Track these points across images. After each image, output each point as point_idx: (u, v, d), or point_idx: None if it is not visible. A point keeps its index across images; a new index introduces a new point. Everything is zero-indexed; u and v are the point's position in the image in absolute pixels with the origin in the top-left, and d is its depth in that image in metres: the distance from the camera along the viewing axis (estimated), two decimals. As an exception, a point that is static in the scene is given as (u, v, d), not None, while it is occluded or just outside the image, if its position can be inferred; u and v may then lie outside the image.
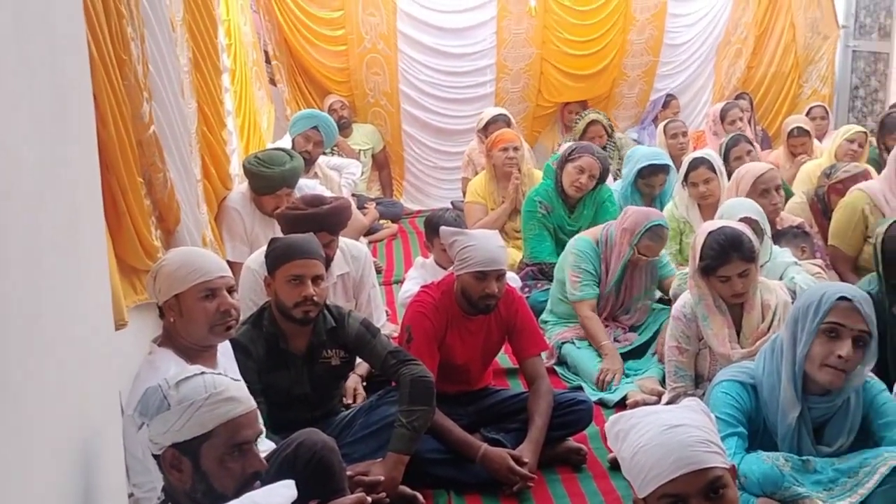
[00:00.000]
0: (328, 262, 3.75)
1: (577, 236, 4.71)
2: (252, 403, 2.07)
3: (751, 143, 5.74)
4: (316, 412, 3.31)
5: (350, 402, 3.70)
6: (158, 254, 3.15)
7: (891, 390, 2.73)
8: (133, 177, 2.97)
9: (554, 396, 3.51)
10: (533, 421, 3.39)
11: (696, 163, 4.97)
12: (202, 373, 2.05)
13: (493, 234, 3.55)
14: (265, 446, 2.70)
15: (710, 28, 8.06)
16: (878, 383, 2.63)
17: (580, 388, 4.15)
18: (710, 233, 3.43)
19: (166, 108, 3.49)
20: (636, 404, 3.77)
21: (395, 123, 7.76)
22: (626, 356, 4.39)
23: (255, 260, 3.81)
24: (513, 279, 4.55)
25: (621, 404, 3.97)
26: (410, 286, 4.45)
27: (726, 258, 3.36)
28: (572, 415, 3.52)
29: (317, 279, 3.18)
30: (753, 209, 4.06)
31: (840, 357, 2.45)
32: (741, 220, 3.83)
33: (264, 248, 3.41)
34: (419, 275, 4.60)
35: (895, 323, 3.42)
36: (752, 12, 8.12)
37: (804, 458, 2.47)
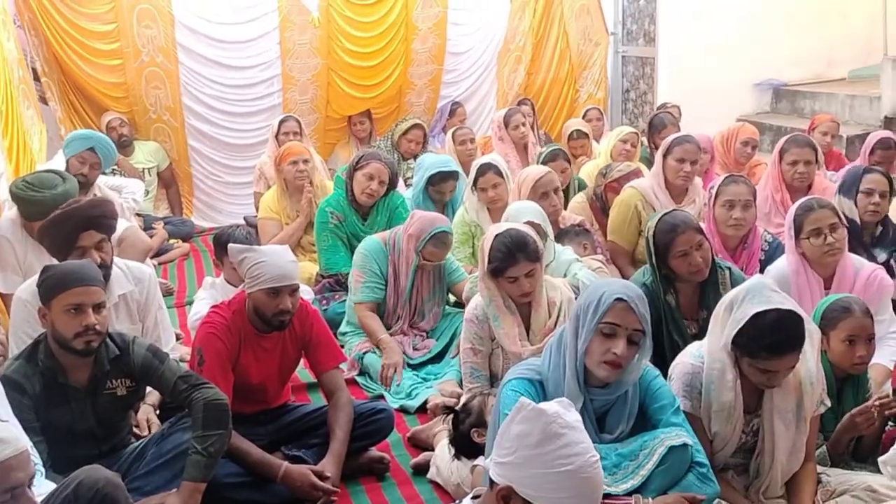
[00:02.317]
0: (106, 275, 3.55)
1: (367, 237, 4.74)
2: (21, 444, 1.93)
3: (568, 162, 5.85)
4: (103, 447, 3.13)
5: (144, 434, 3.53)
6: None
7: (665, 375, 2.91)
8: None
9: (354, 407, 3.50)
10: (334, 434, 3.37)
11: (484, 168, 5.11)
12: (-37, 417, 1.89)
13: (283, 249, 3.49)
14: (45, 488, 2.52)
15: (489, 37, 8.33)
16: (652, 369, 2.79)
17: (382, 397, 4.16)
18: (496, 236, 3.53)
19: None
20: (436, 408, 3.83)
21: (180, 139, 7.49)
22: (426, 362, 4.46)
23: (27, 289, 3.55)
24: (306, 292, 4.50)
25: (422, 410, 4.02)
26: (200, 307, 4.31)
27: (513, 260, 3.47)
28: (373, 424, 3.53)
29: (97, 307, 3.00)
30: (535, 211, 4.22)
31: (615, 354, 2.59)
32: (526, 222, 3.98)
33: (36, 276, 3.19)
34: (209, 295, 4.46)
35: (669, 311, 3.65)
36: (528, 21, 8.46)
37: (588, 446, 2.58)
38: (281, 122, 6.73)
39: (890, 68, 6.92)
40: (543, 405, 1.94)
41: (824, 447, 3.15)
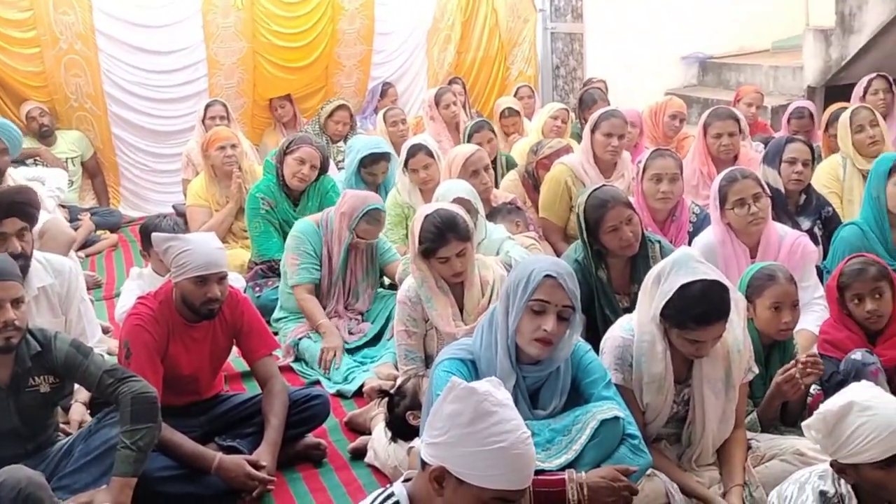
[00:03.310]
0: (24, 266, 3.45)
1: (299, 221, 4.70)
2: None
3: (493, 132, 5.86)
4: (29, 445, 3.04)
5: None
6: None
7: (598, 350, 2.93)
8: None
9: (289, 394, 3.46)
10: (268, 422, 3.32)
11: (414, 150, 5.08)
12: None
13: (209, 237, 3.43)
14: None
15: (417, 16, 8.26)
16: (583, 345, 2.81)
17: (318, 383, 4.13)
18: (426, 216, 3.51)
19: None
20: (372, 392, 3.80)
21: (103, 127, 7.31)
22: (362, 346, 4.44)
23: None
24: (236, 280, 4.43)
25: (360, 394, 3.99)
26: (128, 299, 4.22)
27: (444, 240, 3.45)
28: (309, 410, 3.50)
29: (16, 302, 2.91)
30: (466, 190, 4.21)
31: (546, 331, 2.59)
32: (454, 200, 3.97)
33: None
34: (137, 286, 4.37)
35: (601, 286, 3.67)
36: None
37: (523, 423, 2.59)
38: (207, 107, 6.62)
39: (811, 38, 7.04)
40: (474, 384, 1.94)
41: (754, 413, 3.21)
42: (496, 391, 1.91)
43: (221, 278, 3.31)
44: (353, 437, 3.64)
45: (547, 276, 2.61)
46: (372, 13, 7.93)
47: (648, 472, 2.78)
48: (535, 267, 2.65)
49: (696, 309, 2.69)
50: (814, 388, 3.29)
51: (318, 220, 4.58)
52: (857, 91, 5.90)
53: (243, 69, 7.52)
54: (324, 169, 5.28)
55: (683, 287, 2.70)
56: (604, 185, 3.82)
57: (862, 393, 2.26)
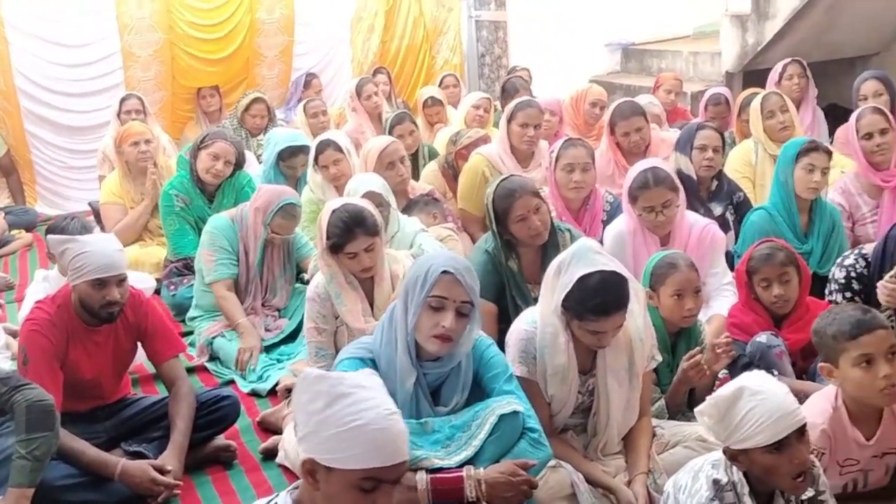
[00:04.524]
0: None
1: (213, 216, 4.62)
2: None
3: (415, 124, 5.83)
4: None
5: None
6: None
7: (502, 348, 2.92)
8: None
9: (197, 396, 3.40)
10: (174, 425, 3.26)
11: (322, 146, 5.03)
12: None
13: (108, 238, 3.36)
14: None
15: (339, 6, 8.17)
16: (485, 339, 2.80)
17: (233, 383, 4.08)
18: (333, 211, 3.47)
19: None
20: (286, 389, 3.75)
21: (16, 124, 7.11)
22: (278, 343, 4.39)
23: None
24: (145, 280, 4.34)
25: (274, 392, 3.94)
26: (31, 302, 4.09)
27: (351, 235, 3.42)
28: (218, 412, 3.44)
29: None
30: (377, 183, 4.17)
31: (444, 328, 2.57)
32: (365, 195, 3.93)
33: None
34: (42, 289, 4.23)
35: (512, 276, 3.68)
36: (379, -12, 8.36)
37: (422, 420, 2.57)
38: (122, 101, 6.48)
39: (728, 24, 7.11)
40: (326, 372, 1.89)
41: (662, 400, 3.25)
42: (356, 377, 1.86)
43: (121, 280, 3.23)
44: (266, 436, 3.59)
45: (444, 272, 2.59)
46: (292, 3, 7.84)
47: (553, 462, 2.79)
48: (432, 263, 2.63)
49: (595, 300, 2.70)
50: (721, 373, 3.34)
51: (233, 216, 4.51)
52: (773, 76, 5.99)
53: (160, 61, 7.37)
54: (239, 164, 5.19)
55: (582, 279, 2.71)
56: (512, 176, 3.83)
57: (753, 379, 2.29)
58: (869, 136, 4.41)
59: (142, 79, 7.31)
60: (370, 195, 3.97)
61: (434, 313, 2.59)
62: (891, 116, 4.56)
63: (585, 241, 2.87)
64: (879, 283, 3.33)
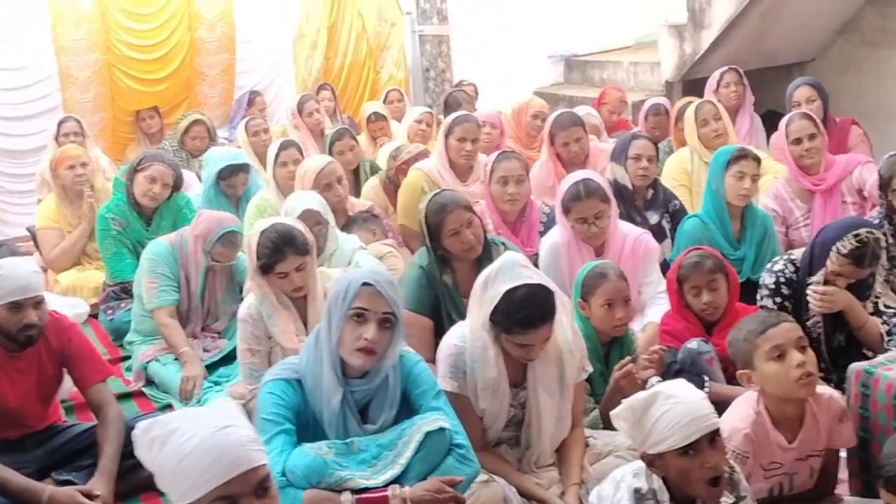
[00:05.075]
0: None
1: (152, 242, 4.56)
2: None
3: (355, 139, 5.84)
4: None
5: None
6: None
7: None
8: None
9: (126, 421, 3.34)
10: (102, 451, 3.20)
11: (287, 144, 5.17)
12: None
13: (23, 261, 3.32)
14: None
15: (281, 22, 8.15)
16: (412, 355, 2.78)
17: (170, 407, 4.02)
18: (261, 232, 3.45)
19: None
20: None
21: (-47, 148, 6.99)
22: (218, 363, 4.34)
23: None
24: (73, 305, 4.27)
25: (211, 414, 3.89)
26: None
27: (281, 255, 3.40)
28: (151, 437, 3.38)
29: None
30: (315, 201, 4.15)
31: (367, 340, 2.55)
32: (302, 214, 3.92)
33: None
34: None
35: (447, 290, 3.68)
36: (320, 5, 8.35)
37: (348, 440, 2.55)
38: (60, 124, 6.35)
39: (667, 34, 7.21)
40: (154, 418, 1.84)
41: (597, 410, 3.26)
42: (185, 411, 1.86)
43: (38, 303, 3.18)
44: (202, 460, 3.53)
45: (364, 283, 2.58)
46: (232, 21, 7.80)
47: (485, 477, 2.78)
48: (352, 277, 2.62)
49: (521, 313, 2.70)
50: (654, 379, 3.36)
51: (173, 241, 4.44)
52: (710, 84, 6.08)
53: (99, 83, 7.29)
54: (177, 186, 5.14)
55: (508, 292, 2.71)
56: (444, 190, 3.84)
57: (669, 384, 2.31)
58: (798, 141, 4.51)
59: (80, 101, 7.22)
60: (308, 213, 3.96)
61: (356, 326, 2.57)
62: (819, 121, 4.66)
63: (511, 254, 2.87)
64: (809, 289, 3.38)
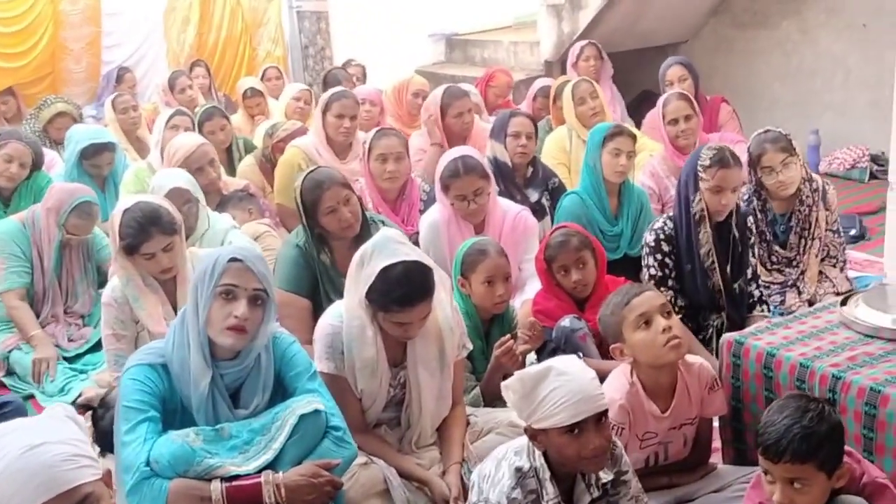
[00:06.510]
0: None
1: (0, 221, 4.31)
2: None
3: (226, 118, 5.60)
4: None
5: None
6: None
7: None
8: None
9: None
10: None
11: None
12: None
13: None
14: None
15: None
16: (287, 336, 2.66)
17: (32, 397, 3.81)
18: (125, 211, 3.28)
19: None
20: (89, 400, 3.53)
21: None
22: (84, 352, 4.14)
23: None
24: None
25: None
26: None
27: (146, 235, 3.24)
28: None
29: None
30: (184, 178, 3.99)
31: (236, 317, 2.43)
32: (169, 192, 3.75)
33: None
34: None
35: (325, 269, 3.58)
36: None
37: (217, 426, 2.42)
38: None
39: (545, 14, 7.23)
40: None
41: (478, 388, 3.23)
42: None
43: None
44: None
45: (232, 259, 2.46)
46: (97, -8, 7.44)
47: (364, 459, 2.72)
48: (219, 254, 2.49)
49: (398, 291, 2.63)
50: (529, 360, 3.35)
51: (24, 219, 4.24)
52: (570, 59, 6.18)
53: (-46, 60, 6.84)
54: (36, 166, 4.87)
55: (385, 270, 2.64)
56: (319, 167, 3.74)
57: (562, 361, 2.28)
58: (675, 121, 4.59)
59: (-68, 80, 6.75)
60: (176, 191, 3.79)
61: (225, 303, 2.44)
62: (695, 102, 4.75)
63: (386, 231, 2.80)
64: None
